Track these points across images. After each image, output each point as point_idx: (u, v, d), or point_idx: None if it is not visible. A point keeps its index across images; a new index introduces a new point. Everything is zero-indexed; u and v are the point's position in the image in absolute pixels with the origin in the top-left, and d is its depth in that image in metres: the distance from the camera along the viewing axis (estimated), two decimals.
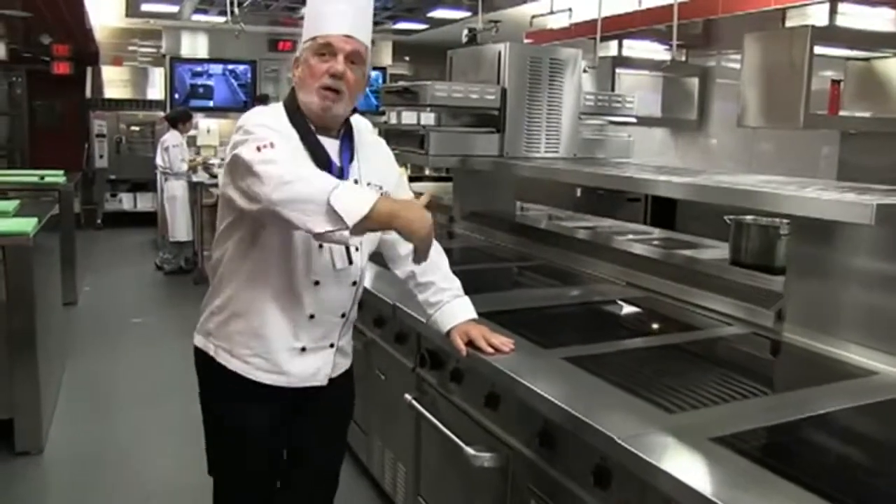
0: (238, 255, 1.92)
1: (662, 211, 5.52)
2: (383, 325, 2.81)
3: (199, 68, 9.95)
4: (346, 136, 1.99)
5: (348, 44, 1.87)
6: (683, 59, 5.97)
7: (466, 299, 2.23)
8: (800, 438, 1.68)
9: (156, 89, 10.09)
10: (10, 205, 3.99)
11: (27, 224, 3.49)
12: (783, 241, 2.61)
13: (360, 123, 2.09)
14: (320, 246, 1.89)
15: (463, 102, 3.55)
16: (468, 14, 6.97)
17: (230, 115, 10.02)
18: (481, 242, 3.95)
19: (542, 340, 2.16)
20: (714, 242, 3.35)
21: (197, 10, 7.89)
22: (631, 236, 3.69)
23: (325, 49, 1.87)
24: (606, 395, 1.79)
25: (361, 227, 1.65)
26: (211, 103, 10.15)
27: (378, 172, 2.05)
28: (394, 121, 5.18)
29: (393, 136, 3.95)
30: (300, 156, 1.85)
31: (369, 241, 2.03)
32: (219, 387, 2.01)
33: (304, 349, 1.97)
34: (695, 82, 5.97)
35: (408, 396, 2.46)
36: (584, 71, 4.23)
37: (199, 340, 2.03)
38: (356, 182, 1.95)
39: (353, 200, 1.65)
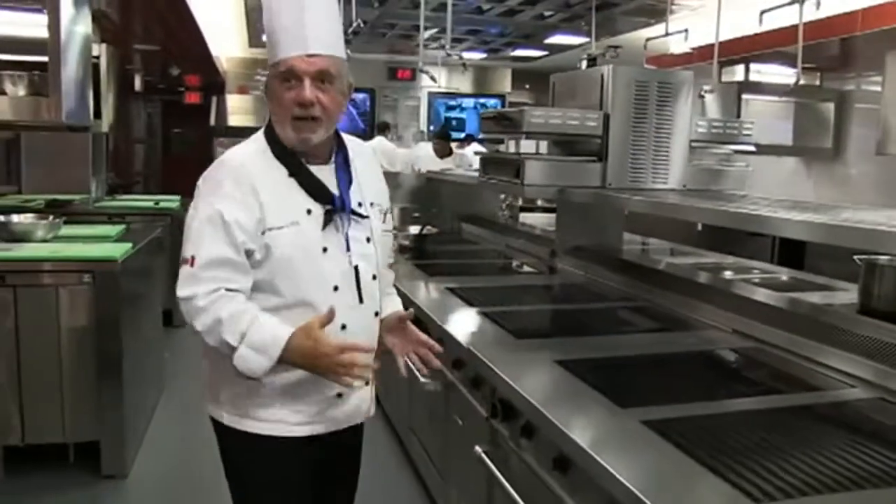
0: None
1: (791, 247, 5.06)
2: (461, 367, 2.63)
3: None
4: (341, 159, 1.85)
5: (312, 64, 1.68)
6: (817, 82, 5.51)
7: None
8: None
9: None
10: (115, 229, 4.10)
11: (117, 249, 3.55)
12: None
13: (351, 140, 1.95)
14: (335, 288, 1.80)
15: (562, 129, 3.33)
16: (586, 40, 6.77)
17: None
18: (582, 279, 3.71)
19: (623, 397, 1.91)
20: (846, 285, 2.96)
21: None
22: (747, 276, 3.34)
23: (289, 75, 1.70)
24: (685, 473, 1.52)
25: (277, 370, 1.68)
26: None
27: (378, 194, 1.96)
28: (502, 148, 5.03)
29: (490, 164, 3.79)
30: (290, 193, 1.75)
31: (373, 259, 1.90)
32: (248, 454, 1.87)
33: (339, 395, 1.85)
34: (830, 107, 5.49)
35: (478, 449, 2.26)
36: (701, 96, 3.93)
37: (211, 409, 1.91)
38: (360, 205, 1.84)
39: (255, 362, 1.64)
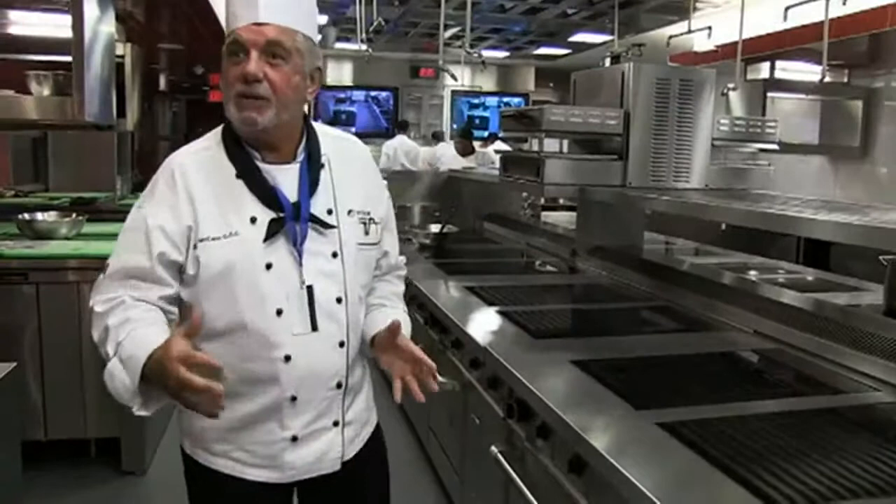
0: None
1: (816, 247, 4.98)
2: (478, 367, 2.61)
3: (342, 95, 10.25)
4: (308, 156, 1.59)
5: (260, 34, 1.45)
6: (845, 80, 5.42)
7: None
8: None
9: None
10: None
11: None
12: None
13: (335, 135, 1.71)
14: (278, 312, 1.51)
15: (581, 128, 3.30)
16: (610, 38, 6.73)
17: (372, 140, 10.24)
18: (602, 279, 3.67)
19: (639, 399, 1.89)
20: (872, 286, 2.91)
21: (339, 39, 8.11)
22: (771, 276, 3.30)
23: (235, 47, 1.46)
24: (701, 477, 1.50)
25: (152, 397, 1.38)
26: (353, 129, 10.41)
27: (364, 200, 1.65)
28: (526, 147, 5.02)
29: (511, 163, 3.77)
30: (233, 199, 1.51)
31: (356, 284, 1.63)
32: (206, 491, 1.66)
33: (295, 438, 1.57)
34: (858, 105, 5.39)
35: (494, 449, 2.25)
36: (724, 94, 3.88)
37: (180, 437, 1.70)
38: (329, 212, 1.58)
39: (119, 381, 1.37)
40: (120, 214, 5.44)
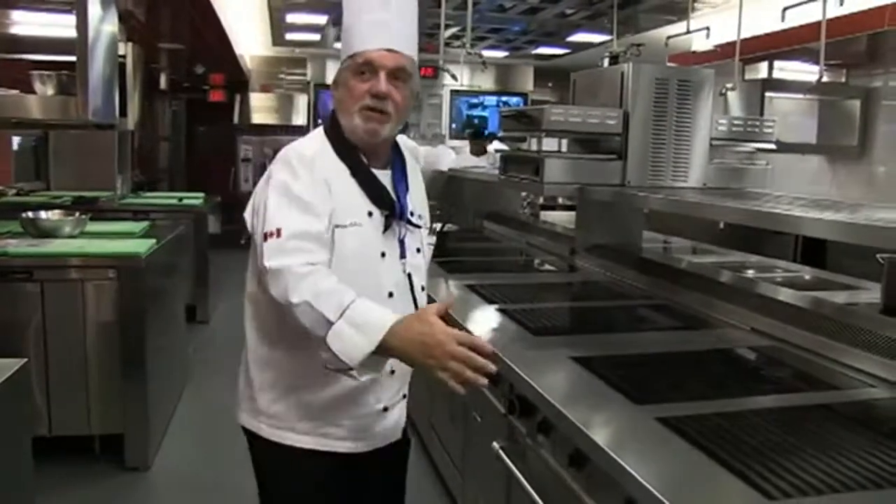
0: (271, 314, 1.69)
1: (813, 245, 5.02)
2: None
3: None
4: (398, 164, 1.83)
5: (390, 59, 1.68)
6: (843, 79, 5.45)
7: None
8: None
9: (300, 115, 10.48)
10: (139, 226, 4.17)
11: (141, 245, 3.62)
12: None
13: (406, 143, 1.94)
14: (390, 294, 1.75)
15: (581, 127, 3.32)
16: (609, 38, 6.75)
17: None
18: (601, 277, 3.70)
19: (639, 394, 1.92)
20: (869, 284, 2.94)
21: (339, 39, 8.12)
22: (768, 275, 3.33)
23: (365, 67, 1.68)
24: (700, 470, 1.52)
25: (372, 361, 1.48)
26: None
27: (425, 206, 1.92)
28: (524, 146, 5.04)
29: (511, 162, 3.79)
30: (353, 194, 1.70)
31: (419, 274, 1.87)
32: (286, 471, 1.78)
33: (385, 409, 1.80)
34: (856, 105, 5.42)
35: (495, 445, 2.27)
36: (722, 93, 3.91)
37: (246, 420, 1.82)
38: (412, 215, 1.79)
39: (353, 342, 1.46)
40: (120, 213, 5.52)
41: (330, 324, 1.47)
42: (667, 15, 6.12)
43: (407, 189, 1.82)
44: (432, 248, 2.02)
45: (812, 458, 1.56)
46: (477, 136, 8.34)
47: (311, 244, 1.59)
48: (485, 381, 1.46)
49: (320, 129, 1.80)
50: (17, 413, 2.00)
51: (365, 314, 1.49)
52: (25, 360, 1.97)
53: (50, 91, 3.55)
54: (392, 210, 1.75)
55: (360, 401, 1.75)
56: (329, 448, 1.75)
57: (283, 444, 1.75)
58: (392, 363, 1.66)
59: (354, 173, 1.72)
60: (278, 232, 1.56)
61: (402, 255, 1.80)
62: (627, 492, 1.53)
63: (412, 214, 1.82)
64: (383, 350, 1.48)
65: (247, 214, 1.74)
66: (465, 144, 8.48)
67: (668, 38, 4.94)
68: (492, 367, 1.46)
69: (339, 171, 1.71)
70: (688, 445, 1.62)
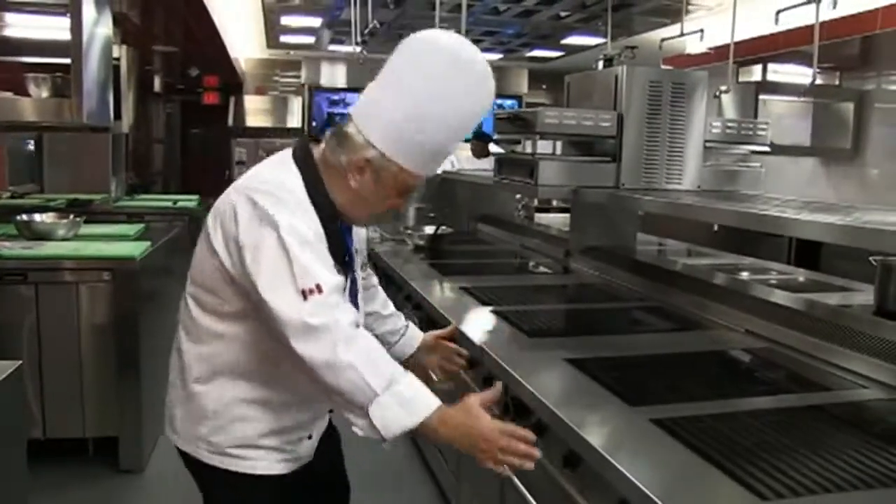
0: (245, 349, 1.64)
1: (807, 248, 5.04)
2: (474, 366, 2.64)
3: (336, 97, 10.29)
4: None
5: (422, 183, 1.69)
6: (836, 82, 5.47)
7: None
8: None
9: (295, 118, 10.49)
10: (133, 228, 4.17)
11: (135, 248, 3.61)
12: None
13: None
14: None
15: (576, 130, 3.34)
16: (603, 40, 6.76)
17: None
18: (596, 279, 3.71)
19: (633, 396, 1.92)
20: (862, 286, 2.95)
21: (333, 41, 8.13)
22: (762, 277, 3.34)
23: (411, 188, 1.65)
24: (693, 470, 1.53)
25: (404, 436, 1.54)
26: None
27: (360, 235, 1.89)
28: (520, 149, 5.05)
29: (505, 164, 3.80)
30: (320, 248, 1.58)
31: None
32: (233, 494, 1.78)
33: (310, 437, 1.84)
34: (849, 107, 5.45)
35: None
36: (716, 96, 3.92)
37: (191, 448, 1.75)
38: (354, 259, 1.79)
39: (395, 416, 1.48)
40: (114, 216, 5.49)
41: (375, 394, 1.46)
42: (661, 18, 6.14)
43: (351, 236, 1.78)
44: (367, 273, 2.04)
45: (805, 459, 1.57)
46: (479, 135, 8.32)
47: (343, 299, 1.57)
48: (531, 465, 1.53)
49: (290, 163, 1.65)
50: (12, 415, 2.00)
51: (413, 391, 1.51)
52: (20, 362, 1.97)
53: (44, 93, 3.55)
54: (346, 264, 1.71)
55: (291, 428, 1.76)
56: (266, 472, 1.74)
57: (224, 469, 1.73)
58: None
59: (325, 228, 1.61)
60: (318, 288, 1.48)
61: (353, 294, 1.77)
62: (621, 493, 1.54)
63: (355, 258, 1.81)
64: (422, 428, 1.51)
65: (218, 244, 1.59)
66: (464, 146, 8.48)
67: (662, 40, 4.94)
68: (536, 454, 1.52)
69: (315, 220, 1.61)
70: (682, 446, 1.63)
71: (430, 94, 1.54)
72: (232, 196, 1.60)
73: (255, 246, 1.51)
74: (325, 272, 1.52)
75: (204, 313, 1.68)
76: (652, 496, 1.41)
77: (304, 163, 1.64)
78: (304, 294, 1.46)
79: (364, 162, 1.59)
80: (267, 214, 1.51)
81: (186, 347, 1.73)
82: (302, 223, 1.54)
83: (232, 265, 1.57)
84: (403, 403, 1.48)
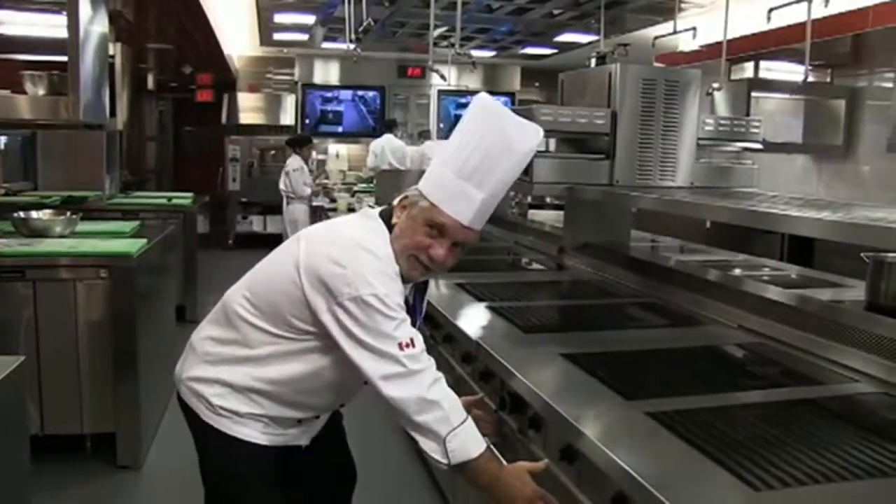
0: (306, 366, 1.84)
1: (800, 244, 5.08)
2: (470, 361, 2.67)
3: (329, 94, 10.30)
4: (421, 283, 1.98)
5: (462, 234, 1.78)
6: (828, 79, 5.52)
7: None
8: None
9: (288, 115, 10.47)
10: (129, 226, 4.17)
11: (132, 245, 3.62)
12: None
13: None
14: None
15: (570, 127, 3.36)
16: (596, 38, 6.79)
17: (359, 139, 10.30)
18: (590, 276, 3.74)
19: (628, 390, 1.95)
20: (855, 282, 2.99)
21: (327, 38, 8.13)
22: (755, 273, 3.37)
23: (441, 229, 1.76)
24: (687, 462, 1.56)
25: (459, 470, 1.73)
26: (340, 129, 10.46)
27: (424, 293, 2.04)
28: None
29: None
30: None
31: None
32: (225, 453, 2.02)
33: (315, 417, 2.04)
34: (841, 104, 5.49)
35: (486, 441, 2.30)
36: (709, 94, 3.96)
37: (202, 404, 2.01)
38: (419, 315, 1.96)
39: (463, 447, 1.72)
40: (109, 213, 5.48)
41: (452, 426, 1.71)
42: (654, 15, 6.17)
43: (422, 298, 1.99)
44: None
45: (797, 452, 1.60)
46: None
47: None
48: None
49: (384, 232, 1.82)
50: (15, 410, 2.02)
51: (464, 441, 1.74)
52: (23, 357, 1.99)
53: (41, 91, 3.55)
54: (414, 318, 1.88)
55: (289, 421, 1.96)
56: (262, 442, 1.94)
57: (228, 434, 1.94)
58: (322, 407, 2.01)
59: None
60: (412, 342, 1.72)
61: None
62: (618, 485, 1.56)
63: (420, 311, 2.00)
64: (474, 463, 1.74)
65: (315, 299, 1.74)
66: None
67: (655, 38, 4.99)
68: None
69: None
70: (677, 439, 1.65)
71: (473, 149, 1.75)
72: (342, 274, 1.71)
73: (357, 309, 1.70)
74: (413, 331, 1.77)
75: (263, 331, 1.85)
76: (649, 487, 1.43)
77: (387, 220, 1.85)
78: (402, 347, 1.71)
79: (406, 200, 1.82)
80: (366, 287, 1.69)
81: (227, 338, 1.92)
82: (395, 294, 1.74)
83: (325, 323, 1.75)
84: (469, 438, 1.74)
